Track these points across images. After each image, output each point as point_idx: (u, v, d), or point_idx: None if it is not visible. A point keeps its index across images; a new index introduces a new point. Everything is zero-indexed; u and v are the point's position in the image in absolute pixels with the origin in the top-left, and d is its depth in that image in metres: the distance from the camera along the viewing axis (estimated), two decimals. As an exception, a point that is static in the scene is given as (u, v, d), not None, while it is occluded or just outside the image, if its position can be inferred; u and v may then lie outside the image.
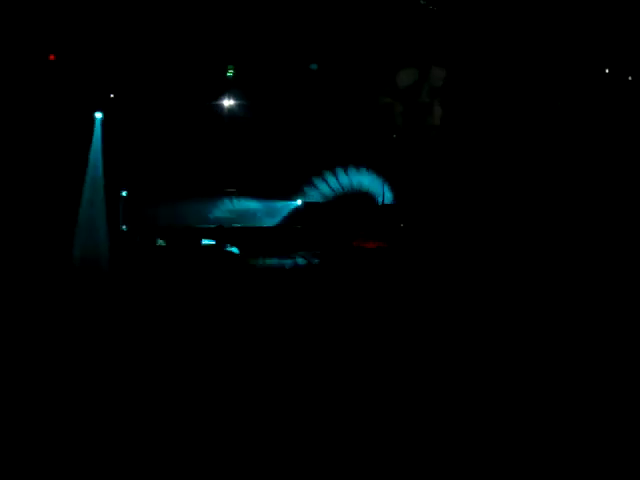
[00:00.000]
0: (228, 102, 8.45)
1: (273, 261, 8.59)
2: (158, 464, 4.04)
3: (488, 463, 4.14)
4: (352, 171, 9.63)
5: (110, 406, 4.54)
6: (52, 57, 7.20)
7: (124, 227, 8.66)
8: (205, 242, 8.70)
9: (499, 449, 4.27)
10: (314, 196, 9.96)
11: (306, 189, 9.91)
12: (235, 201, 10.02)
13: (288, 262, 8.24)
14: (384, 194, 9.16)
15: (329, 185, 9.86)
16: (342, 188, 9.45)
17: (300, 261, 8.02)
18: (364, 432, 4.39)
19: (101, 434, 4.24)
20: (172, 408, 4.55)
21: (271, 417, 4.48)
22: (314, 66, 8.31)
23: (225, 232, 9.19)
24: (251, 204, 10.07)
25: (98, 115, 7.94)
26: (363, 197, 9.31)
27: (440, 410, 4.65)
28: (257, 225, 10.23)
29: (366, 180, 9.72)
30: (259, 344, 5.53)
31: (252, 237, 9.66)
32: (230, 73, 8.06)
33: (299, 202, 9.91)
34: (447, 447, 4.25)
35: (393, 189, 8.86)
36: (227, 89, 8.43)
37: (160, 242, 8.36)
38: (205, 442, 4.24)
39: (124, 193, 8.66)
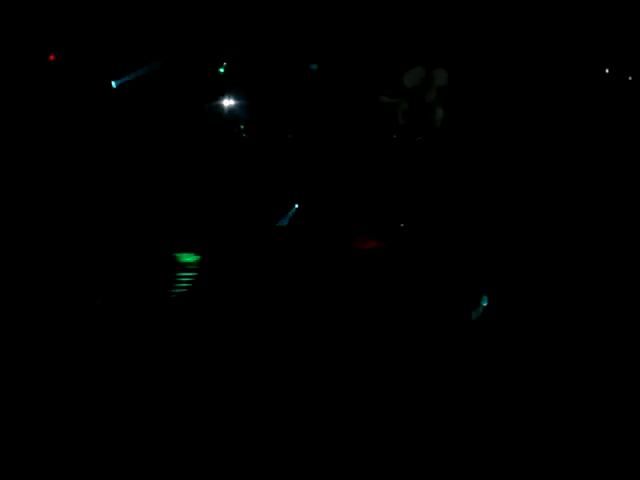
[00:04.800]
0: (227, 102, 8.44)
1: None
2: (158, 464, 4.03)
3: (488, 463, 4.13)
4: (352, 170, 9.59)
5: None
6: (52, 57, 7.19)
7: None
8: None
9: (499, 449, 4.27)
10: (313, 197, 9.91)
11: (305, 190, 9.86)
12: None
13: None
14: (384, 194, 9.13)
15: (329, 185, 9.82)
16: (341, 188, 9.42)
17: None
18: (364, 432, 4.38)
19: (101, 433, 4.24)
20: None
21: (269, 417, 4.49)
22: (314, 66, 8.30)
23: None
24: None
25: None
26: (363, 197, 9.27)
27: (440, 411, 4.65)
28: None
29: (365, 179, 9.67)
30: (256, 345, 5.53)
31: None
32: (222, 70, 8.05)
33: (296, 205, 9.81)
34: (447, 447, 4.25)
35: (393, 189, 8.84)
36: (226, 88, 8.43)
37: None
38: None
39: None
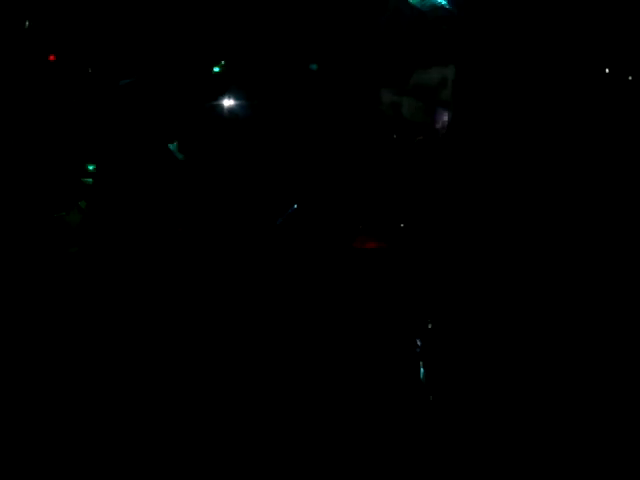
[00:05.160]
0: (228, 102, 8.45)
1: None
2: (158, 464, 4.03)
3: (488, 463, 4.13)
4: (351, 170, 9.56)
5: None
6: (52, 57, 7.19)
7: None
8: None
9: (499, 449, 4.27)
10: (312, 197, 9.89)
11: (304, 190, 9.83)
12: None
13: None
14: (384, 194, 9.11)
15: (328, 186, 9.80)
16: (341, 188, 9.41)
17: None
18: (364, 432, 4.38)
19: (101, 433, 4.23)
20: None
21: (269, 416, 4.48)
22: (314, 66, 8.30)
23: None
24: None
25: None
26: (363, 197, 9.26)
27: (440, 411, 4.64)
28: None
29: (366, 179, 9.65)
30: (254, 345, 5.52)
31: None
32: (218, 68, 8.04)
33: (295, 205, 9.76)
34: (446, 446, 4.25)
35: (394, 189, 8.83)
36: (225, 88, 8.43)
37: None
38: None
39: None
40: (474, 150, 7.81)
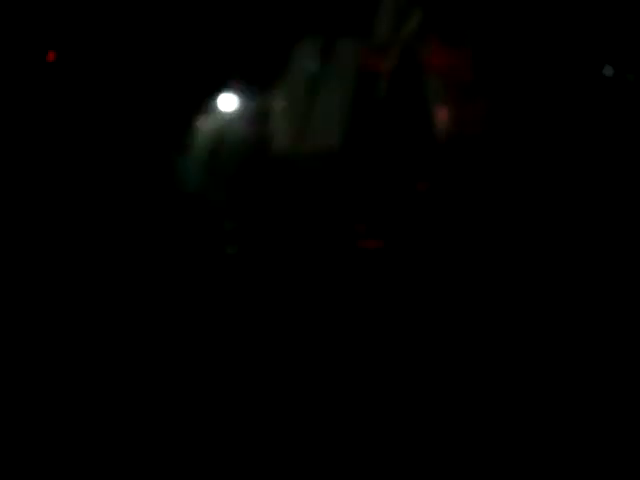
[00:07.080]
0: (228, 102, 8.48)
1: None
2: (158, 464, 4.05)
3: (488, 463, 4.15)
4: (351, 170, 9.59)
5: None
6: (51, 57, 7.21)
7: None
8: None
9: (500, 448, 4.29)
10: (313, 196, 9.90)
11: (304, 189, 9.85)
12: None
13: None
14: (383, 194, 9.12)
15: (328, 185, 9.83)
16: (341, 188, 9.43)
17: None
18: (364, 432, 4.40)
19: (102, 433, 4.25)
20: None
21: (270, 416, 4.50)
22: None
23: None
24: None
25: None
26: (362, 196, 9.28)
27: (441, 410, 4.67)
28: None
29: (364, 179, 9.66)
30: (259, 347, 5.55)
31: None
32: None
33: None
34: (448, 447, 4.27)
35: (394, 187, 8.86)
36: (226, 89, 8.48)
37: None
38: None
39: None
40: (474, 150, 7.84)
